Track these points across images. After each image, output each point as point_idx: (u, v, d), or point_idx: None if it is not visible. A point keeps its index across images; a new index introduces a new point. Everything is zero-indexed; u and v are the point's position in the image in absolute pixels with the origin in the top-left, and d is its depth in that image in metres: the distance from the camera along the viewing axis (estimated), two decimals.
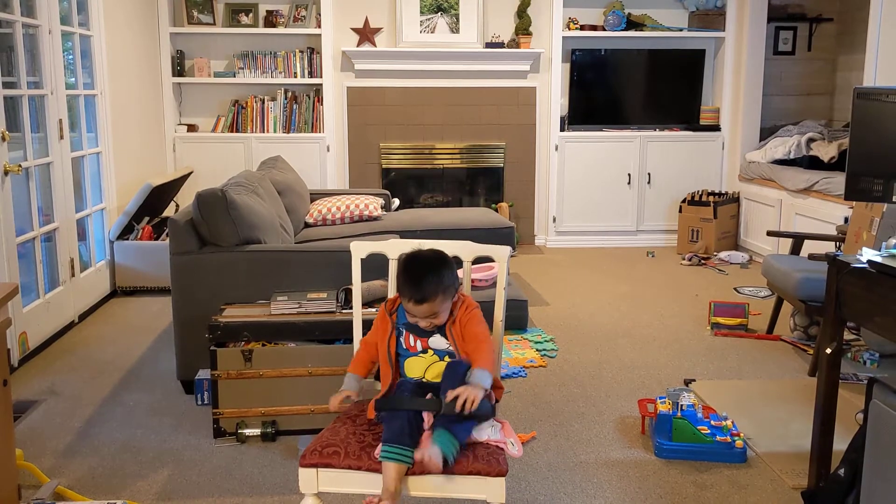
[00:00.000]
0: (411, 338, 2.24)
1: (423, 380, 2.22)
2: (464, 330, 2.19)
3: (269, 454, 3.06)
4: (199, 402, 3.51)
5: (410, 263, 2.19)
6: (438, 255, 2.21)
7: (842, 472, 2.41)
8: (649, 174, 6.96)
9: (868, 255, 2.50)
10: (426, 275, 2.13)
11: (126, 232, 5.36)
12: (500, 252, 2.38)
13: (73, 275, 4.69)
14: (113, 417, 3.41)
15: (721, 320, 4.58)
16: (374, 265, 2.52)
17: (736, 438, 3.05)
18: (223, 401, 3.19)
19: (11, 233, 3.94)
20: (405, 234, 5.02)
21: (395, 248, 2.40)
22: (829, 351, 2.61)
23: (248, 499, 2.72)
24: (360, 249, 2.41)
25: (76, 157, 4.85)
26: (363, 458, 2.03)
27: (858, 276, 2.48)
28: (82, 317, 4.80)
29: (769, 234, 4.75)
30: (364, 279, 2.50)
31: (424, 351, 2.23)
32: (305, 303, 3.30)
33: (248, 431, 3.18)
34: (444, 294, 2.14)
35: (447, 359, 2.21)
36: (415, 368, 2.24)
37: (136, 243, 5.32)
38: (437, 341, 2.22)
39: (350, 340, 2.75)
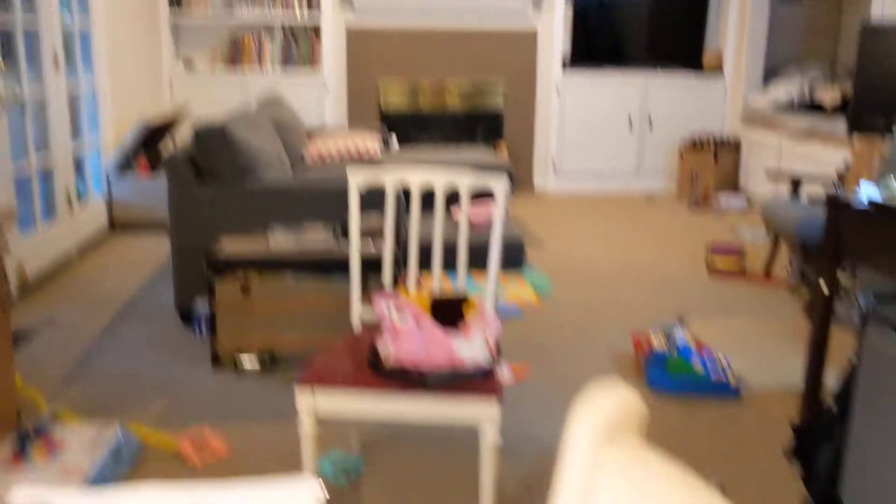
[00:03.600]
0: None
1: None
2: None
3: (267, 384, 3.10)
4: (197, 334, 3.53)
5: None
6: None
7: (833, 407, 2.44)
8: (650, 117, 6.90)
9: (867, 192, 2.49)
10: None
11: (124, 168, 5.33)
12: (497, 183, 2.37)
13: (70, 208, 4.68)
14: (111, 348, 3.43)
15: (718, 261, 4.59)
16: (372, 202, 2.51)
17: (729, 375, 3.08)
18: (221, 332, 3.21)
19: (8, 165, 3.91)
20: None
21: (393, 177, 2.38)
22: (824, 286, 2.62)
23: (245, 424, 2.76)
24: (357, 177, 2.40)
25: (72, 92, 4.80)
26: (360, 378, 2.05)
27: (857, 214, 2.48)
28: (81, 251, 4.81)
29: (768, 174, 4.73)
30: (362, 213, 2.49)
31: None
32: (303, 236, 3.30)
33: (245, 362, 3.21)
34: None
35: None
36: None
37: (134, 178, 5.29)
38: None
39: (347, 273, 2.75)
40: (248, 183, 3.56)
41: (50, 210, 4.53)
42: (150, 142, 5.60)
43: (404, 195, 3.48)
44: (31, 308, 3.90)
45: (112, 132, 5.40)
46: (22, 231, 4.13)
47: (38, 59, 4.37)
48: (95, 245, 5.02)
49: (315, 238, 3.28)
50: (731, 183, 6.71)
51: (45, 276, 4.32)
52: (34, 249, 4.20)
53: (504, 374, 2.11)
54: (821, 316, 2.66)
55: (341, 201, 2.65)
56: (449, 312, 2.33)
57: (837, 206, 2.56)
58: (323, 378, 2.07)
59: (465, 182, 2.40)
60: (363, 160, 5.29)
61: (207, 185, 3.53)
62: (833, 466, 2.29)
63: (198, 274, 3.33)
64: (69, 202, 4.67)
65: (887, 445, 2.04)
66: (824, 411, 2.53)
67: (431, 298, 2.38)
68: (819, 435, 2.47)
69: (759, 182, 6.39)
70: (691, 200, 6.39)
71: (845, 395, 2.38)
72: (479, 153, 5.61)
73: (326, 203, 3.55)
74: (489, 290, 2.40)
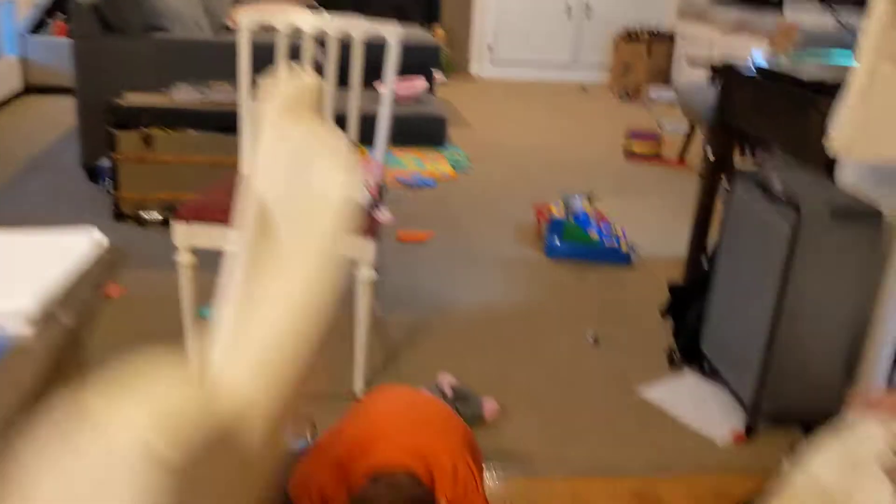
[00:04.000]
0: None
1: None
2: None
3: (167, 236, 3.09)
4: (102, 188, 3.49)
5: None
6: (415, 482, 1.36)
7: (707, 268, 2.56)
8: (587, 4, 6.84)
9: (756, 60, 2.54)
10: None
11: (38, 27, 5.13)
12: (390, 31, 2.35)
13: None
14: (14, 199, 3.39)
15: (635, 146, 4.66)
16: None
17: (623, 242, 3.18)
18: (124, 185, 3.19)
19: None
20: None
21: (283, 19, 2.35)
22: (710, 155, 2.70)
23: (141, 271, 2.78)
24: (246, 18, 2.36)
25: None
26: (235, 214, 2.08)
27: (745, 80, 2.53)
28: None
29: (688, 60, 4.77)
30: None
31: None
32: (208, 91, 3.25)
33: (147, 215, 3.20)
34: None
35: None
36: None
37: (49, 39, 5.11)
38: None
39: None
40: (155, 37, 3.47)
41: None
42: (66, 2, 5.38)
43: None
44: None
45: None
46: None
47: None
48: (7, 105, 4.87)
49: (220, 92, 3.24)
50: (664, 76, 6.75)
51: None
52: None
53: (383, 214, 2.16)
54: (706, 181, 2.74)
55: (254, 60, 2.60)
56: None
57: (728, 74, 2.61)
58: (199, 213, 2.09)
59: (359, 29, 2.38)
60: None
61: (114, 37, 3.43)
62: (699, 320, 2.41)
63: (104, 129, 3.27)
64: None
65: (740, 296, 2.15)
66: (700, 272, 2.65)
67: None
68: (692, 293, 2.59)
69: (691, 75, 6.43)
70: (622, 91, 6.42)
71: (715, 251, 2.49)
72: (409, 32, 5.51)
73: (235, 61, 3.48)
74: (379, 138, 2.41)
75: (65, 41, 5.11)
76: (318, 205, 0.37)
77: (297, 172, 0.44)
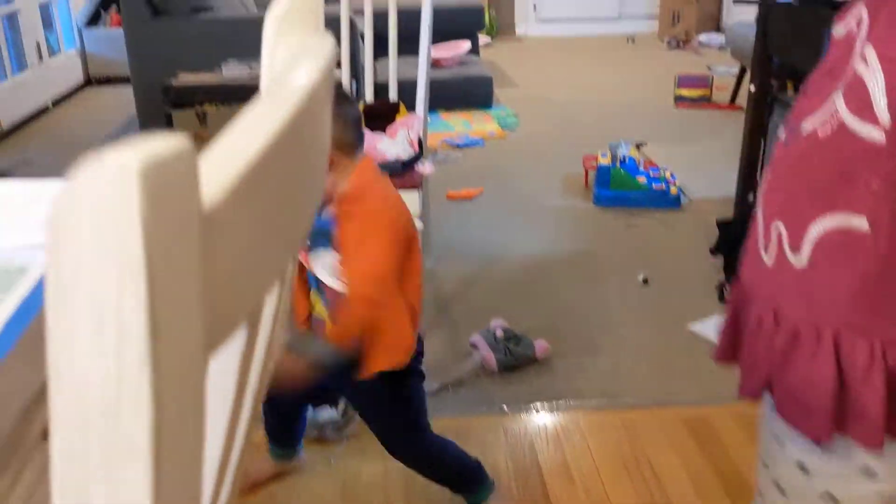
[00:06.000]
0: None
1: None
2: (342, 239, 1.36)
3: None
4: None
5: None
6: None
7: (751, 197, 2.55)
8: None
9: None
10: None
11: (95, 20, 5.32)
12: None
13: (40, 59, 4.72)
14: None
15: (684, 92, 4.61)
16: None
17: (672, 186, 3.18)
18: None
19: None
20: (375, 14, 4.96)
21: None
22: (752, 89, 2.68)
23: None
24: None
25: None
26: None
27: (782, 9, 2.51)
28: (56, 103, 4.88)
29: (736, 1, 4.68)
30: None
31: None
32: (256, 65, 3.34)
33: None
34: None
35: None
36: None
37: (106, 31, 5.29)
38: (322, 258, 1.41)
39: None
40: (202, 17, 3.58)
41: (20, 63, 4.57)
42: None
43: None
44: (6, 151, 4.01)
45: None
46: None
47: None
48: (71, 97, 5.08)
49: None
50: (714, 21, 6.61)
51: (21, 124, 4.41)
52: (6, 100, 4.27)
53: (424, 167, 2.22)
54: (751, 117, 2.73)
55: None
56: (380, 118, 2.42)
57: (766, 4, 2.58)
58: None
59: None
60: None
61: (163, 20, 3.56)
62: None
63: (161, 110, 3.40)
64: (39, 53, 4.70)
65: None
66: (749, 207, 2.64)
67: (364, 106, 2.47)
68: (741, 228, 2.59)
69: (741, 18, 6.29)
70: (671, 40, 6.33)
71: None
72: None
73: None
74: (418, 95, 2.47)
75: (120, 32, 5.29)
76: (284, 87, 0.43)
77: (283, 72, 0.51)
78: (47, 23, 4.93)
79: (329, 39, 0.59)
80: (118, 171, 0.24)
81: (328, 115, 0.61)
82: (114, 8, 5.48)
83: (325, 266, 1.39)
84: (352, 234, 1.33)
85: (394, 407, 1.50)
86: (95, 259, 0.25)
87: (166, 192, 0.25)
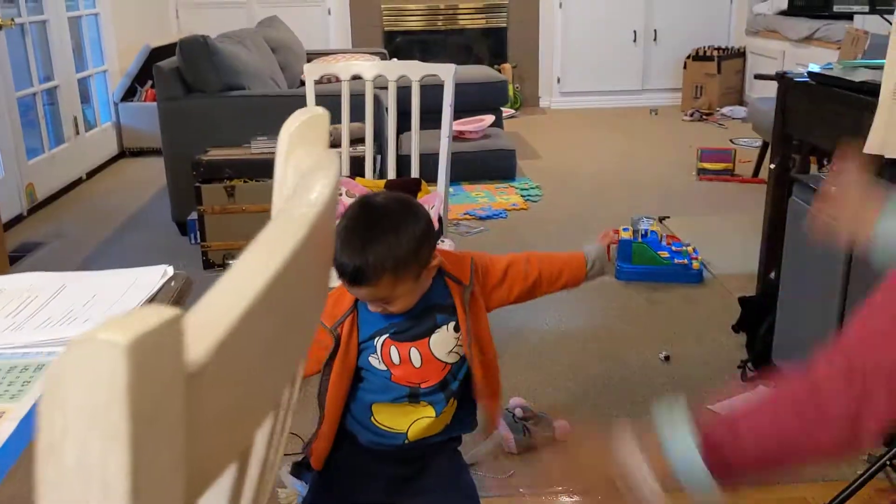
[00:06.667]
0: (392, 347, 1.38)
1: (407, 440, 1.42)
2: (500, 291, 1.49)
3: None
4: (192, 242, 3.71)
5: (352, 213, 1.29)
6: (399, 202, 1.31)
7: (772, 275, 2.54)
8: (655, 31, 6.86)
9: (811, 67, 2.54)
10: (371, 234, 1.25)
11: (130, 94, 5.50)
12: (445, 69, 2.46)
13: (77, 133, 4.87)
14: (112, 254, 3.64)
15: (707, 165, 4.64)
16: (354, 107, 2.58)
17: (694, 261, 3.18)
18: (210, 235, 3.39)
19: (10, 85, 4.09)
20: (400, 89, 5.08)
21: (347, 70, 2.50)
22: (772, 166, 2.69)
23: None
24: (312, 72, 2.51)
25: (73, 17, 4.95)
26: None
27: (801, 89, 2.54)
28: (90, 175, 5.01)
29: (756, 77, 4.73)
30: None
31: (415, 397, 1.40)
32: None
33: (234, 262, 3.38)
34: (401, 271, 1.26)
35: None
36: (395, 416, 1.42)
37: (141, 104, 5.46)
38: (443, 340, 1.40)
39: None
40: (233, 94, 3.69)
41: (58, 136, 4.72)
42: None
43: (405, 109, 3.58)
44: (40, 222, 4.12)
45: (118, 59, 5.56)
46: (29, 156, 4.33)
47: None
48: (104, 168, 5.22)
49: None
50: (737, 95, 6.68)
51: (55, 196, 4.53)
52: (42, 171, 4.40)
53: (445, 244, 2.25)
54: (773, 194, 2.74)
55: (329, 111, 2.76)
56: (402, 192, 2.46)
57: (784, 82, 2.62)
58: None
59: (417, 72, 2.50)
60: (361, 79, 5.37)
61: (196, 97, 3.68)
62: (771, 332, 2.40)
63: (191, 184, 3.49)
64: (76, 127, 4.86)
65: (806, 304, 2.14)
66: (772, 284, 2.63)
67: (386, 182, 2.52)
68: (763, 305, 2.58)
69: (763, 91, 6.35)
70: (694, 112, 6.39)
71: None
72: (477, 70, 5.66)
73: None
74: (440, 171, 2.51)
75: (154, 105, 5.46)
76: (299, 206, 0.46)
77: (297, 191, 0.53)
78: (85, 97, 5.10)
79: (335, 157, 0.62)
80: (106, 347, 0.26)
81: (333, 227, 0.63)
82: (149, 83, 5.67)
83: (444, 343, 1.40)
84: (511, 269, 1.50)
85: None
86: (83, 426, 0.27)
87: (152, 363, 0.27)
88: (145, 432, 0.27)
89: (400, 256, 1.25)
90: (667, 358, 2.56)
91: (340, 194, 2.33)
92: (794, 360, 2.24)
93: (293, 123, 0.71)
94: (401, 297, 1.30)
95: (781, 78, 2.64)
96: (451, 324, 1.39)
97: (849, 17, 5.32)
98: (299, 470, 1.91)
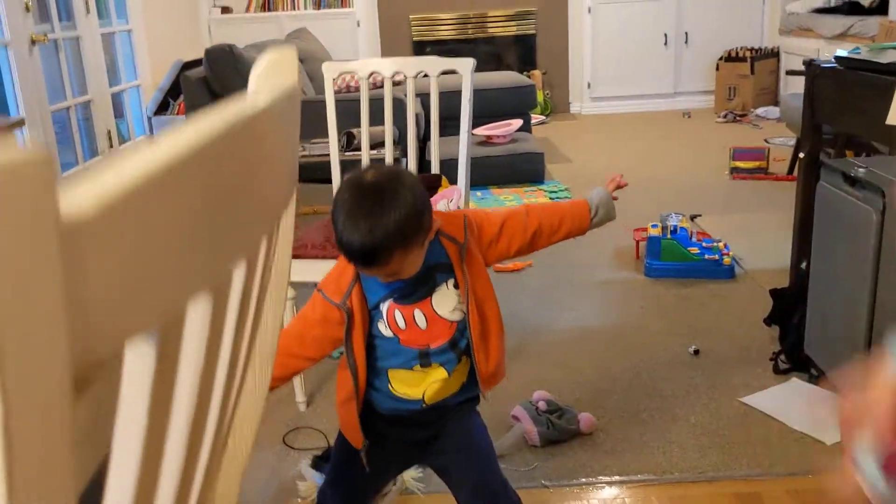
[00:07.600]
0: (397, 311, 1.39)
1: (425, 404, 1.45)
2: (498, 246, 1.50)
3: None
4: None
5: (346, 197, 1.26)
6: (388, 175, 1.27)
7: (804, 265, 2.48)
8: (686, 33, 6.79)
9: (838, 52, 2.48)
10: (374, 215, 1.23)
11: (163, 108, 5.58)
12: (463, 64, 2.45)
13: (111, 146, 4.95)
14: None
15: (740, 164, 4.56)
16: (374, 110, 2.59)
17: (725, 257, 3.11)
18: None
19: (44, 99, 4.17)
20: (425, 95, 5.09)
21: (366, 67, 2.50)
22: (801, 155, 2.63)
23: None
24: (330, 70, 2.52)
25: (106, 34, 5.04)
26: (328, 250, 2.20)
27: (829, 75, 2.48)
28: None
29: (788, 73, 4.65)
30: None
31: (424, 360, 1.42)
32: (308, 146, 3.45)
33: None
34: (409, 242, 1.26)
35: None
36: (409, 383, 1.44)
37: (174, 118, 5.54)
38: (444, 298, 1.41)
39: None
40: None
41: (92, 149, 4.80)
42: None
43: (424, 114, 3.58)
44: None
45: (150, 74, 5.65)
46: (64, 170, 4.41)
47: (68, 1, 4.61)
48: None
49: (320, 146, 3.43)
50: (771, 94, 6.57)
51: None
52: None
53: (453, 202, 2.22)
54: (804, 181, 2.67)
55: (351, 115, 2.77)
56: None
57: (811, 70, 2.56)
58: (296, 251, 2.22)
59: (435, 67, 2.49)
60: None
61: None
62: (803, 324, 2.33)
63: None
64: (110, 141, 4.94)
65: (837, 293, 2.08)
66: (803, 275, 2.56)
67: None
68: (795, 297, 2.51)
69: (797, 90, 6.24)
70: (728, 114, 6.30)
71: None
72: (504, 76, 5.65)
73: (338, 118, 3.68)
74: (460, 167, 2.50)
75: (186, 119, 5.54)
76: None
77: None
78: (118, 112, 5.19)
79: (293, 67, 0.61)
80: None
81: (289, 129, 0.63)
82: (181, 97, 5.76)
83: (447, 302, 1.41)
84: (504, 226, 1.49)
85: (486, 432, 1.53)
86: None
87: (12, 203, 0.25)
88: (10, 285, 0.25)
89: (406, 229, 1.24)
90: (696, 352, 2.50)
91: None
92: (826, 352, 2.18)
93: (261, 65, 0.70)
94: (410, 264, 1.31)
95: (809, 65, 2.58)
96: (451, 281, 1.40)
97: (882, 10, 5.22)
98: (319, 463, 1.90)
